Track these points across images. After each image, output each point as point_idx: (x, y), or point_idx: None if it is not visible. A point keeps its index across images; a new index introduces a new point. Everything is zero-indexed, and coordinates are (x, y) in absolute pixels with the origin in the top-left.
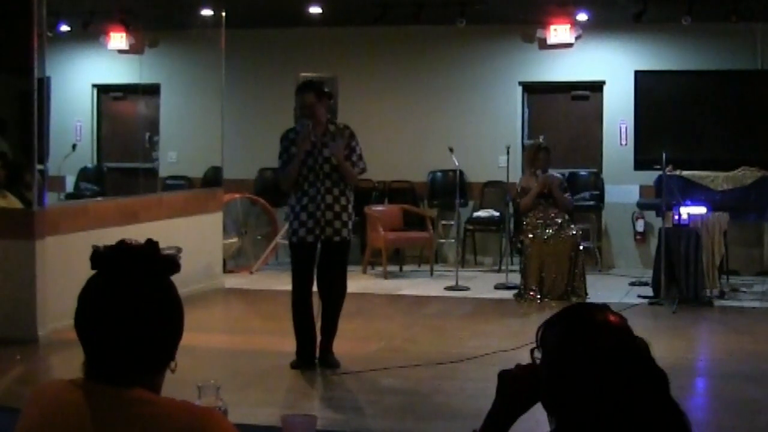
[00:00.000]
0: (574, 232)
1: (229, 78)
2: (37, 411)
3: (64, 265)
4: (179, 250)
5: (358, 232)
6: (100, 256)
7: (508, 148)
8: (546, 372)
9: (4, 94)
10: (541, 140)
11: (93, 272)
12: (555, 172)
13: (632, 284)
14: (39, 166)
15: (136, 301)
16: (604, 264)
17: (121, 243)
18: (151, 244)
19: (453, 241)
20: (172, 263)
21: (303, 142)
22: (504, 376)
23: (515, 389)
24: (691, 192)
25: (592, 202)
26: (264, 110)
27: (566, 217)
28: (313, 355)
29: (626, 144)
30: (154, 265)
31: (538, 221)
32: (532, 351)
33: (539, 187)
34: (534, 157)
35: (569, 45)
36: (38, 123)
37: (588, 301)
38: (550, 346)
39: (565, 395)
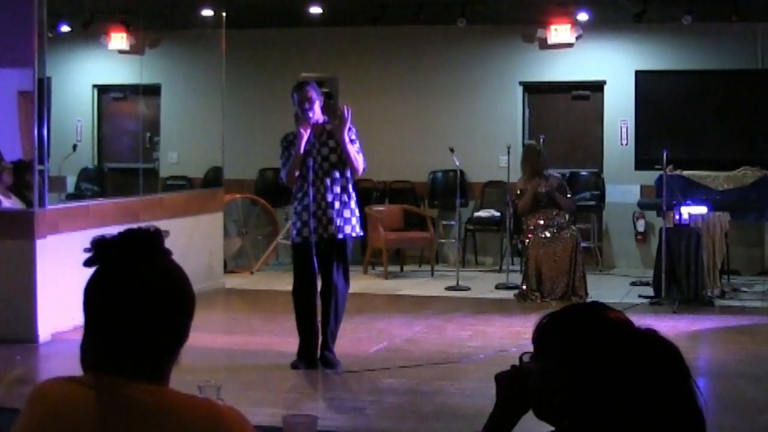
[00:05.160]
0: (574, 233)
1: (229, 78)
2: (40, 410)
3: (64, 266)
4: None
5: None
6: (99, 248)
7: (508, 148)
8: (549, 377)
9: (5, 95)
10: (540, 141)
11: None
12: (555, 172)
13: (633, 284)
14: (39, 167)
15: (141, 287)
16: (604, 264)
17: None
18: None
19: (454, 241)
20: (158, 239)
21: (302, 125)
22: (500, 378)
23: (513, 391)
24: (692, 192)
25: (592, 202)
26: (264, 110)
27: (567, 217)
28: (314, 355)
29: (627, 144)
30: (150, 247)
31: (539, 222)
32: (521, 357)
33: (534, 188)
34: (536, 159)
35: (570, 45)
36: (38, 123)
37: (589, 301)
38: (556, 350)
39: (577, 398)
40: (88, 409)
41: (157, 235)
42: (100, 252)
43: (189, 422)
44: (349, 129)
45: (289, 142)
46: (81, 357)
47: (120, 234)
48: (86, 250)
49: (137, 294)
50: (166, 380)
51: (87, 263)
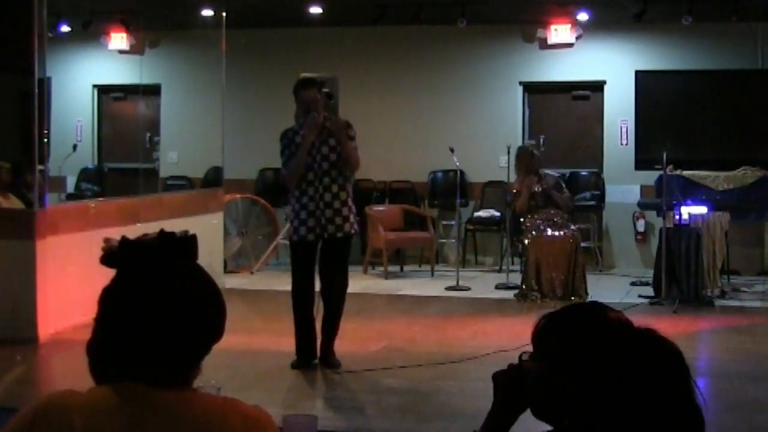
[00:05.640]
0: (574, 232)
1: (229, 78)
2: (63, 424)
3: (64, 266)
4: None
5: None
6: (133, 250)
7: (508, 148)
8: (549, 377)
9: (5, 95)
10: (540, 141)
11: (105, 269)
12: (555, 172)
13: (633, 284)
14: (39, 167)
15: (181, 292)
16: (604, 264)
17: (130, 237)
18: (165, 234)
19: (454, 241)
20: (195, 244)
21: (311, 131)
22: (498, 378)
23: (510, 390)
24: (692, 192)
25: (592, 202)
26: (264, 110)
27: (565, 216)
28: (314, 355)
29: (627, 144)
30: (184, 252)
31: (538, 222)
32: (520, 356)
33: (529, 188)
34: (529, 160)
35: (570, 45)
36: (39, 123)
37: (588, 300)
38: (556, 350)
39: (577, 398)
40: (120, 421)
41: (194, 241)
42: (134, 254)
43: (224, 428)
44: (349, 126)
45: (290, 139)
46: (94, 367)
47: (158, 237)
48: (107, 249)
49: (177, 299)
50: (191, 385)
51: (111, 263)
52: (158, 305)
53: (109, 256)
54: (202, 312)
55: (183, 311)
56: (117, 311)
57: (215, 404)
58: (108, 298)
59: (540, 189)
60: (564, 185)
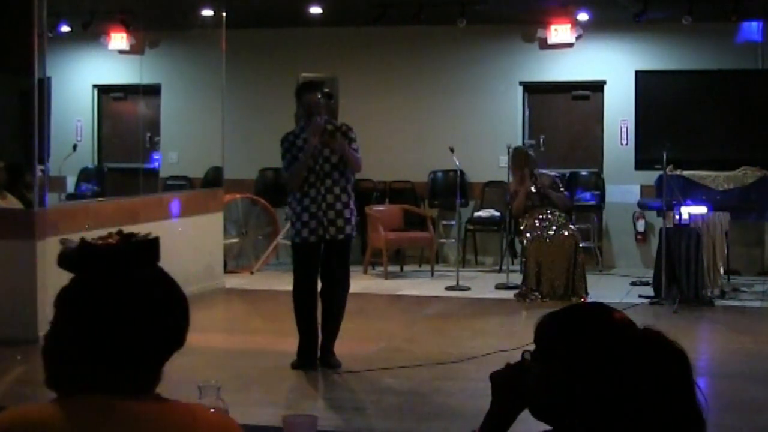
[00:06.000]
0: (574, 232)
1: (229, 78)
2: None
3: None
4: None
5: (359, 232)
6: (97, 255)
7: (508, 148)
8: (553, 377)
9: (5, 95)
10: (540, 141)
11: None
12: (555, 172)
13: (633, 284)
14: (40, 167)
15: (145, 297)
16: (605, 264)
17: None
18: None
19: (454, 241)
20: (157, 247)
21: (314, 136)
22: (495, 377)
23: (508, 389)
24: (692, 192)
25: (592, 202)
26: (264, 110)
27: (563, 215)
28: (315, 356)
29: (627, 144)
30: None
31: (537, 222)
32: (523, 354)
33: (525, 188)
34: (525, 161)
35: (570, 45)
36: (39, 123)
37: (589, 300)
38: (560, 350)
39: (580, 398)
40: None
41: (156, 244)
42: (93, 257)
43: None
44: (350, 129)
45: (290, 143)
46: (51, 375)
47: (118, 240)
48: (64, 250)
49: (138, 305)
50: (154, 393)
51: (67, 265)
52: (118, 311)
53: (65, 258)
54: (165, 318)
55: (144, 317)
56: (75, 316)
57: (182, 413)
58: (65, 301)
59: (535, 189)
60: (561, 184)
